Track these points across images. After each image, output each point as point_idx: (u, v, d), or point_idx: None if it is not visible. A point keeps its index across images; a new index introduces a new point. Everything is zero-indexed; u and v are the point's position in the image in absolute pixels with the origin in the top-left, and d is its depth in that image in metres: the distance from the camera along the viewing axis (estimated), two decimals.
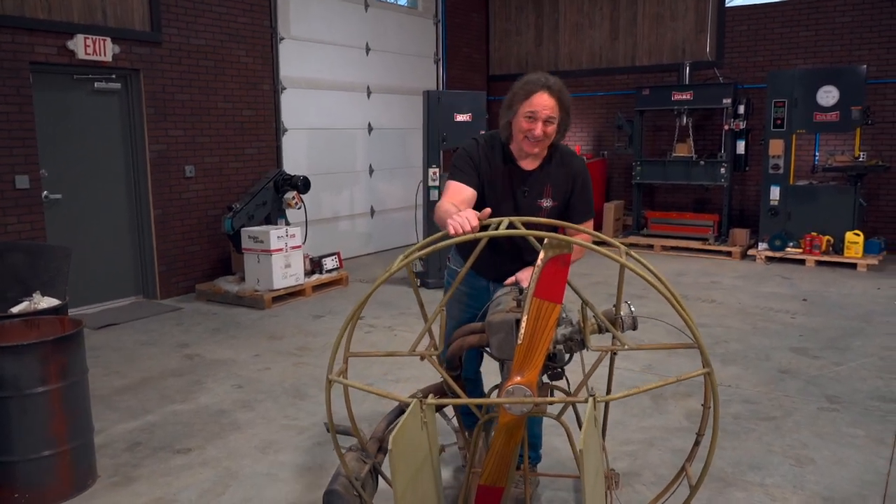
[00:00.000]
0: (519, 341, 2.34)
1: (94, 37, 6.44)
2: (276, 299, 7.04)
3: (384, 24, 9.87)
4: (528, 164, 2.93)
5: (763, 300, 6.95)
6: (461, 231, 2.29)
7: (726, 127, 9.25)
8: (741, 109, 9.16)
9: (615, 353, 2.58)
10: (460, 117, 7.73)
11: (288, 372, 5.08)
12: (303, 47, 8.66)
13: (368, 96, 9.70)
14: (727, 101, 9.16)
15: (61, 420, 3.25)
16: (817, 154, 9.50)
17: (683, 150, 9.75)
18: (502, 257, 2.60)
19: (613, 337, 2.53)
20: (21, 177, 6.12)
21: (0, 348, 3.12)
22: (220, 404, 4.49)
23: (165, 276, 7.35)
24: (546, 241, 2.28)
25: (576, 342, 2.54)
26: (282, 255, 7.06)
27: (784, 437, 3.88)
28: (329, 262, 7.81)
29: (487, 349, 2.58)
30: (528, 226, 2.51)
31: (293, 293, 7.25)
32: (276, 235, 6.99)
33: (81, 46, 6.36)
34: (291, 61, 8.53)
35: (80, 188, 6.72)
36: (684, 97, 9.44)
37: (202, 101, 7.54)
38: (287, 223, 7.65)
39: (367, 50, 9.62)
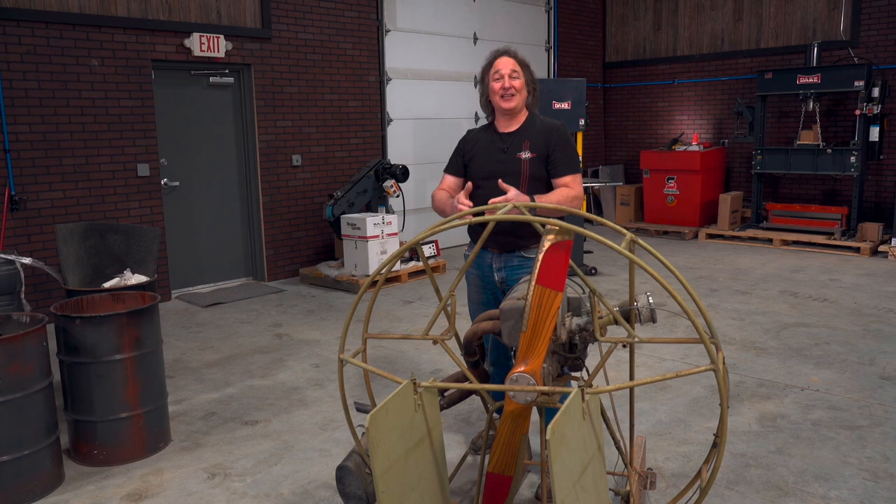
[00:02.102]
0: (523, 329, 2.32)
1: (208, 35, 6.91)
2: (372, 284, 7.26)
3: (493, 12, 9.86)
4: (508, 127, 3.27)
5: (884, 300, 6.35)
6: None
7: (858, 112, 8.48)
8: (875, 92, 8.36)
9: (626, 346, 2.48)
10: (558, 105, 7.60)
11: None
12: (409, 39, 8.82)
13: (475, 86, 9.73)
14: (860, 83, 8.39)
15: (134, 386, 3.55)
16: None
17: (809, 138, 9.05)
18: (496, 231, 2.76)
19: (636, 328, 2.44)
20: (143, 165, 6.69)
21: (82, 319, 3.46)
22: (294, 381, 4.73)
23: (272, 260, 7.78)
24: (547, 226, 2.24)
25: (590, 333, 2.48)
26: (378, 242, 7.27)
27: (864, 449, 3.55)
28: (426, 250, 7.94)
29: (499, 336, 2.57)
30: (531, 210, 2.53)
31: (389, 279, 7.45)
32: (372, 222, 7.21)
33: (197, 44, 6.84)
34: (397, 53, 8.72)
35: (196, 176, 7.25)
36: (811, 80, 8.74)
37: (309, 94, 7.89)
38: (388, 211, 7.86)
39: (475, 39, 9.66)
